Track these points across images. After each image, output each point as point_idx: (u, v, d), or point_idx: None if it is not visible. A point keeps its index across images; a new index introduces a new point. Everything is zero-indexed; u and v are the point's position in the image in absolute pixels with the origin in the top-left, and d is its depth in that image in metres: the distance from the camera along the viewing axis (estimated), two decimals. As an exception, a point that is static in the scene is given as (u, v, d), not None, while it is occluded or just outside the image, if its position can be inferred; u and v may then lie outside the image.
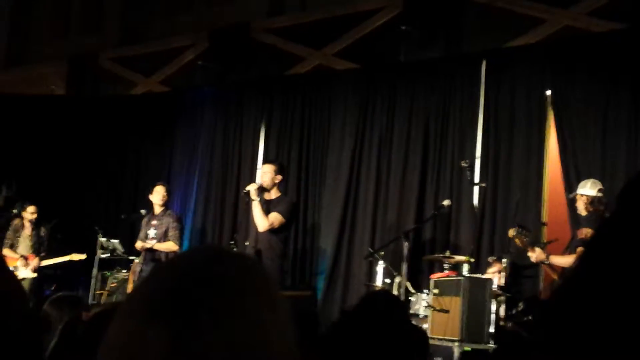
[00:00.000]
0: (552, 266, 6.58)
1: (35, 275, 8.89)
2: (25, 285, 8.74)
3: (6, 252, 9.08)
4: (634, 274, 0.88)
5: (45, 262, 8.90)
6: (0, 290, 1.56)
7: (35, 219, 9.19)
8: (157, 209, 8.23)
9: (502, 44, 8.12)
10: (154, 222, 8.17)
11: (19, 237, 9.18)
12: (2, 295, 1.67)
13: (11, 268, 8.88)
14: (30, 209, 9.21)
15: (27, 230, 9.20)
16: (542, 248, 6.64)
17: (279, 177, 7.48)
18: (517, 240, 6.62)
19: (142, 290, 0.93)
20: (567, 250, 6.69)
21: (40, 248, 9.08)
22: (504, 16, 8.04)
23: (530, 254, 6.54)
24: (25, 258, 8.93)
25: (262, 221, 7.16)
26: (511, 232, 6.66)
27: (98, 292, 8.32)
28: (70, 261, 8.79)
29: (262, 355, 0.87)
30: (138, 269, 7.97)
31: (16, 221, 9.24)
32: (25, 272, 8.87)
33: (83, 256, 8.55)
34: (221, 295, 0.88)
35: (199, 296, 0.88)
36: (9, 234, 9.22)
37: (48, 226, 9.24)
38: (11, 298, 1.88)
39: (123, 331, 0.88)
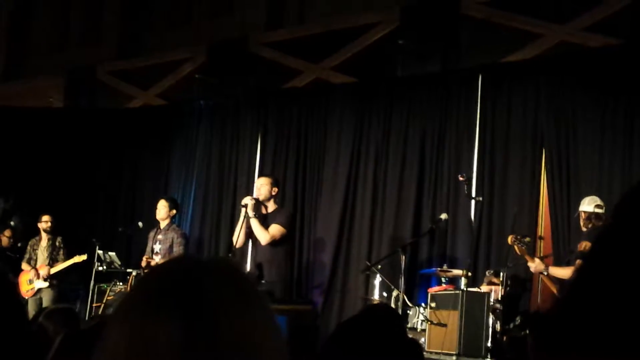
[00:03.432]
0: (550, 278, 6.59)
1: (47, 284, 8.81)
2: (47, 296, 8.71)
3: (24, 266, 9.04)
4: (631, 283, 0.89)
5: (54, 270, 8.85)
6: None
7: (50, 227, 9.09)
8: (163, 223, 8.20)
9: (498, 59, 8.14)
10: (160, 236, 8.15)
11: (36, 249, 9.10)
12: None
13: (27, 281, 8.84)
14: (45, 218, 9.12)
15: (44, 241, 9.12)
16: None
17: (275, 190, 7.49)
18: (516, 247, 6.63)
19: (141, 288, 0.92)
20: (565, 262, 6.72)
21: (57, 257, 8.98)
22: (500, 31, 8.06)
23: (530, 263, 6.55)
24: (36, 269, 8.89)
25: (263, 234, 7.15)
26: (510, 239, 6.66)
27: (95, 305, 8.29)
28: (75, 264, 8.73)
29: (267, 345, 0.88)
30: None
31: (32, 240, 9.16)
32: (39, 283, 8.84)
33: (84, 257, 8.51)
34: (226, 284, 0.89)
35: (206, 284, 0.88)
36: (28, 248, 9.16)
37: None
38: (8, 313, 1.88)
39: (125, 329, 0.86)
